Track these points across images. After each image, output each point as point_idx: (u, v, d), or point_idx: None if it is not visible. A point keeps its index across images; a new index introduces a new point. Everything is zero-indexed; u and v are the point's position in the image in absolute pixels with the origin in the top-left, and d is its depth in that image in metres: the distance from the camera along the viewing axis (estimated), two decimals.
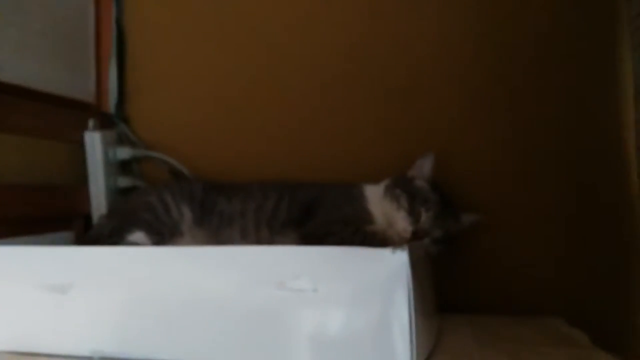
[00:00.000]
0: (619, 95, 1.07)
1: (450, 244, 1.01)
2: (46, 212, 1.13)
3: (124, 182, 1.24)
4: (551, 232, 1.10)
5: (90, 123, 1.21)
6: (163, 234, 0.99)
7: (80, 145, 1.21)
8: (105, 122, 1.27)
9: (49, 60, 1.17)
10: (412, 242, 0.95)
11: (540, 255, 1.10)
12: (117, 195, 1.23)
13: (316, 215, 1.00)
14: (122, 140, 1.28)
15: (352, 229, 0.95)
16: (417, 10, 1.16)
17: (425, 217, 0.97)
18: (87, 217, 1.22)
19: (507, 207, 1.11)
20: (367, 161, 1.16)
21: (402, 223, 0.97)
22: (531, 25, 1.12)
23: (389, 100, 1.18)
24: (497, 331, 0.95)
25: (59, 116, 1.19)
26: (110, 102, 1.29)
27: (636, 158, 1.03)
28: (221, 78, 1.26)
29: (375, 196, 1.02)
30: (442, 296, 1.06)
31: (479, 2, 1.13)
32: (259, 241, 0.99)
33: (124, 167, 1.28)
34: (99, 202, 1.21)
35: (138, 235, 0.98)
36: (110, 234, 1.00)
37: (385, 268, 0.61)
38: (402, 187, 1.00)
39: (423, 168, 1.02)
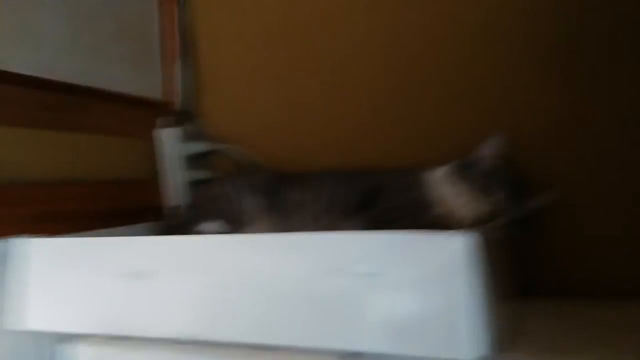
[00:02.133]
0: None
1: (528, 223, 0.97)
2: (122, 205, 1.19)
3: (196, 175, 1.29)
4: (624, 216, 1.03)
5: (162, 120, 1.27)
6: (238, 222, 1.02)
7: (153, 141, 1.26)
8: (177, 118, 1.33)
9: (119, 62, 1.24)
10: (483, 225, 0.92)
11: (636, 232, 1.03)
12: (191, 188, 1.28)
13: (380, 202, 1.00)
14: (193, 135, 1.33)
15: (419, 213, 0.94)
16: None
17: (496, 198, 0.94)
18: (161, 210, 1.28)
19: (592, 182, 1.05)
20: (433, 146, 1.14)
21: (471, 205, 0.94)
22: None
23: (452, 81, 1.15)
24: (587, 315, 0.90)
25: (131, 115, 1.25)
26: (180, 99, 1.34)
27: None
28: (287, 70, 1.29)
29: (441, 179, 1.00)
30: (524, 279, 1.02)
31: None
32: (328, 228, 1.00)
33: (196, 160, 1.33)
34: (174, 195, 1.26)
35: (215, 224, 1.02)
36: (190, 222, 1.04)
37: (453, 252, 0.60)
38: (470, 168, 0.98)
39: (492, 148, 0.99)
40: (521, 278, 1.01)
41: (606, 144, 1.05)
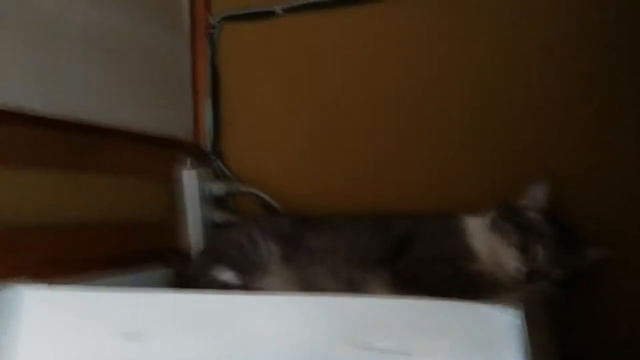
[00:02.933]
0: None
1: (573, 284, 0.86)
2: (141, 249, 1.15)
3: (219, 217, 1.24)
4: None
5: (188, 161, 1.23)
6: (251, 272, 0.96)
7: (175, 182, 1.23)
8: (200, 159, 1.29)
9: (148, 102, 1.21)
10: (527, 286, 0.82)
11: None
12: (214, 231, 1.23)
13: (410, 252, 0.90)
14: (217, 176, 1.29)
15: (452, 269, 0.85)
16: (507, 25, 1.05)
17: (541, 255, 0.83)
18: (184, 253, 1.23)
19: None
20: (466, 190, 1.05)
21: (513, 262, 0.84)
22: None
23: (486, 120, 1.06)
24: None
25: (157, 155, 1.22)
26: (207, 139, 1.31)
27: None
28: (311, 112, 1.24)
29: (479, 230, 0.91)
30: (566, 348, 0.91)
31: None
32: (349, 281, 0.92)
33: (219, 202, 1.28)
34: (196, 238, 1.21)
35: (227, 273, 0.96)
36: (199, 272, 0.98)
37: (493, 329, 0.50)
38: (511, 220, 0.88)
39: (536, 196, 0.89)
40: (565, 347, 0.89)
41: None
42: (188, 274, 1.01)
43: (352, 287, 0.91)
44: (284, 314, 0.62)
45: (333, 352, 0.56)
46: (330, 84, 1.22)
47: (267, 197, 1.22)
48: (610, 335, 0.94)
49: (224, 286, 0.92)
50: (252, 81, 1.30)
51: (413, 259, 0.89)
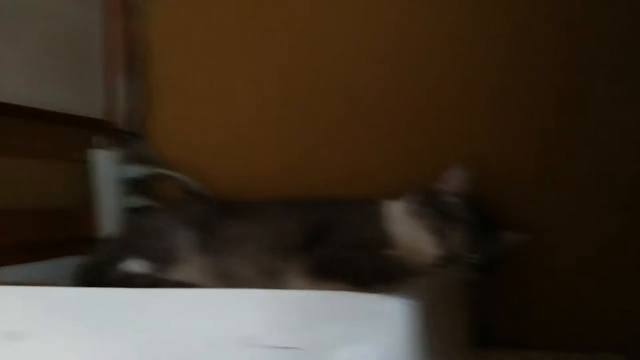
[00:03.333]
0: None
1: (492, 268, 0.85)
2: (53, 236, 1.07)
3: (135, 202, 1.16)
4: (615, 253, 0.91)
5: (96, 140, 1.15)
6: (164, 261, 0.90)
7: (90, 164, 1.14)
8: (116, 139, 1.21)
9: (51, 76, 1.12)
10: (443, 270, 0.80)
11: (602, 280, 0.92)
12: (128, 216, 1.16)
13: (328, 238, 0.87)
14: (137, 158, 1.21)
15: (368, 254, 0.82)
16: (436, 14, 1.02)
17: (457, 240, 0.82)
18: (96, 241, 1.15)
19: (561, 224, 0.94)
20: (391, 175, 1.03)
21: (430, 247, 0.82)
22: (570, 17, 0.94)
23: (412, 107, 1.04)
24: None
25: (64, 135, 1.13)
26: (123, 117, 1.22)
27: None
28: (241, 92, 1.18)
29: (397, 214, 0.89)
30: (485, 329, 0.91)
31: None
32: (266, 269, 0.88)
33: (140, 186, 1.20)
34: (108, 224, 1.14)
35: (136, 262, 0.89)
36: (107, 260, 0.91)
37: (385, 319, 0.47)
38: (429, 204, 0.86)
39: (453, 180, 0.87)
40: (482, 327, 0.90)
41: (583, 180, 0.94)
42: (94, 264, 0.94)
43: (269, 275, 0.87)
44: (167, 310, 0.57)
45: (220, 349, 0.52)
46: (262, 64, 1.16)
47: (190, 181, 1.16)
48: (532, 315, 0.96)
49: (132, 277, 0.86)
50: (179, 58, 1.22)
51: (331, 246, 0.86)
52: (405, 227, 0.86)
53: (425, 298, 0.51)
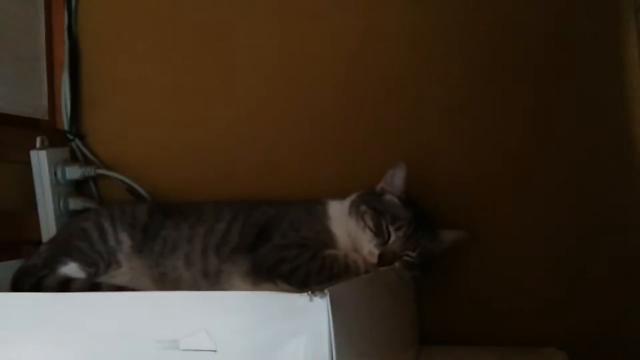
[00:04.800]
0: (626, 89, 0.91)
1: (429, 266, 0.87)
2: None
3: (76, 204, 1.13)
4: (552, 249, 0.94)
5: (39, 141, 1.11)
6: (97, 265, 0.88)
7: (27, 165, 1.10)
8: (58, 140, 1.17)
9: None
10: (380, 268, 0.81)
11: (538, 277, 0.94)
12: (69, 219, 1.12)
13: (271, 238, 0.87)
14: (77, 159, 1.17)
15: (309, 254, 0.82)
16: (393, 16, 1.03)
17: (394, 237, 0.83)
18: (38, 243, 1.12)
19: (499, 221, 0.96)
20: (339, 174, 1.03)
21: (367, 245, 0.83)
22: (525, 20, 0.97)
23: (359, 105, 1.04)
24: None
25: (4, 135, 1.09)
26: (64, 117, 1.19)
27: None
28: (182, 91, 1.15)
29: (339, 214, 0.89)
30: (424, 325, 0.93)
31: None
32: (205, 271, 0.86)
33: (80, 187, 1.17)
34: (48, 226, 1.10)
35: (71, 266, 0.87)
36: (43, 264, 0.88)
37: (302, 319, 0.47)
38: (368, 203, 0.87)
39: (394, 180, 0.88)
40: (425, 324, 0.92)
41: (518, 177, 0.96)
42: (30, 268, 0.90)
43: (208, 277, 0.86)
44: (84, 313, 0.56)
45: (139, 352, 0.51)
46: (200, 60, 1.13)
47: (130, 182, 1.13)
48: (475, 313, 0.97)
49: (68, 282, 0.83)
50: (117, 54, 1.19)
51: (273, 246, 0.86)
52: (347, 226, 0.86)
53: (350, 296, 0.51)
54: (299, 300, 0.47)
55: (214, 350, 0.48)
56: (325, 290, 0.47)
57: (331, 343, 0.46)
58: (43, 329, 0.56)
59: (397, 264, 0.83)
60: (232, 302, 0.50)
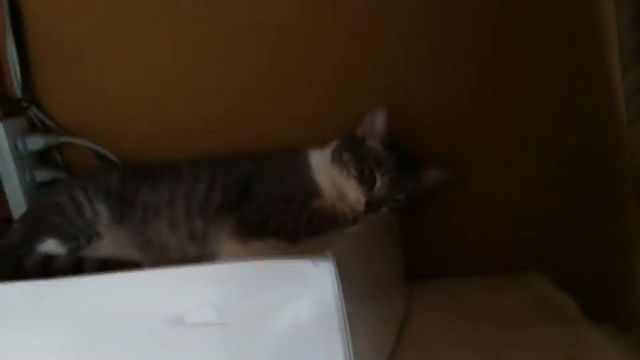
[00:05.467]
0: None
1: (415, 206, 0.87)
2: None
3: (42, 175, 1.08)
4: (530, 180, 0.96)
5: None
6: (78, 239, 0.85)
7: None
8: (12, 109, 1.09)
9: None
10: (367, 215, 0.81)
11: (521, 208, 0.96)
12: (38, 192, 1.08)
13: (255, 194, 0.85)
14: (35, 127, 1.11)
15: (296, 208, 0.81)
16: None
17: (380, 183, 0.82)
18: (8, 221, 1.07)
19: (479, 158, 0.97)
20: (314, 123, 1.00)
21: (353, 193, 0.82)
22: None
23: (333, 46, 1.00)
24: (474, 304, 0.83)
25: None
26: (14, 83, 1.10)
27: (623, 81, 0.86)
28: (143, 42, 1.07)
29: (321, 163, 0.87)
30: (410, 261, 0.94)
31: None
32: (191, 233, 0.85)
33: (44, 158, 1.11)
34: (16, 202, 1.05)
35: (50, 243, 0.84)
36: (19, 243, 0.85)
37: (306, 284, 0.46)
38: (350, 150, 0.85)
39: (374, 125, 0.87)
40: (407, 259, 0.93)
41: (496, 117, 0.96)
42: (8, 249, 0.86)
43: (196, 239, 0.84)
44: (86, 295, 0.54)
45: (141, 331, 0.50)
46: (162, 8, 1.05)
47: (96, 147, 1.08)
48: (452, 244, 0.99)
49: (51, 259, 0.80)
50: (65, 9, 1.09)
51: (257, 202, 0.84)
52: (330, 175, 0.85)
53: (350, 254, 0.51)
54: (303, 266, 0.46)
55: (222, 324, 0.47)
56: (328, 254, 0.46)
57: (338, 306, 0.46)
58: (43, 316, 0.54)
59: (384, 209, 0.83)
60: (235, 271, 0.49)
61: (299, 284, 0.47)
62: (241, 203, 0.85)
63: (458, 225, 0.99)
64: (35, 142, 1.06)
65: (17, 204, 1.05)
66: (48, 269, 0.79)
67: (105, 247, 0.85)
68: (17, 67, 1.10)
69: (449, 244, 0.99)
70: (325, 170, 0.86)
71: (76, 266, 0.79)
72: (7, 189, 1.05)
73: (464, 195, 0.97)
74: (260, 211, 0.83)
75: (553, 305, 0.78)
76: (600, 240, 0.93)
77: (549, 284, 0.87)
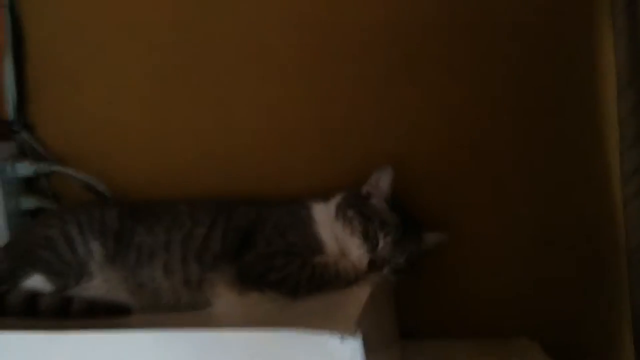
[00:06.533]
0: (600, 90, 0.94)
1: (413, 268, 0.87)
2: None
3: (28, 203, 1.04)
4: (525, 247, 0.98)
5: None
6: (67, 277, 0.81)
7: None
8: (2, 131, 1.06)
9: None
10: (369, 274, 0.81)
11: (513, 273, 0.98)
12: (22, 219, 1.03)
13: (255, 244, 0.84)
14: (25, 153, 1.07)
15: (298, 262, 0.80)
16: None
17: (383, 243, 0.83)
18: None
19: (474, 221, 0.99)
20: (315, 172, 1.00)
21: (357, 251, 0.82)
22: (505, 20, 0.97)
23: (335, 99, 1.01)
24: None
25: None
26: (8, 106, 1.07)
27: (620, 161, 0.90)
28: (140, 74, 1.06)
29: (325, 217, 0.87)
30: (403, 320, 0.93)
31: None
32: (186, 280, 0.82)
33: (30, 184, 1.07)
34: (1, 230, 1.00)
35: (36, 279, 0.80)
36: (3, 277, 0.80)
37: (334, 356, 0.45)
38: (355, 208, 0.85)
39: (380, 183, 0.87)
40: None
41: (492, 177, 0.98)
42: None
43: (190, 287, 0.82)
44: (89, 351, 0.51)
45: None
46: (159, 41, 1.05)
47: (88, 179, 1.05)
48: (449, 308, 0.99)
49: (36, 297, 0.76)
50: (65, 36, 1.08)
51: (258, 253, 0.83)
52: (334, 231, 0.85)
53: (372, 326, 0.50)
54: (330, 342, 0.45)
55: None
56: (356, 330, 0.45)
57: None
58: None
59: (385, 269, 0.83)
60: (256, 341, 0.48)
61: (323, 357, 0.46)
62: (241, 252, 0.83)
63: (450, 286, 0.99)
64: (25, 169, 1.03)
65: (1, 231, 1.00)
66: (32, 307, 0.75)
67: (95, 287, 0.82)
68: (13, 89, 1.07)
69: (438, 305, 1.00)
70: (329, 225, 0.86)
71: (63, 306, 0.75)
72: None
73: (455, 257, 0.98)
74: (261, 263, 0.81)
75: None
76: (591, 311, 0.95)
77: (538, 352, 0.88)
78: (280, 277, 0.78)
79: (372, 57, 0.99)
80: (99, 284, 0.82)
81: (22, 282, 0.79)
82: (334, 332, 0.45)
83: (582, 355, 0.93)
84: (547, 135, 0.96)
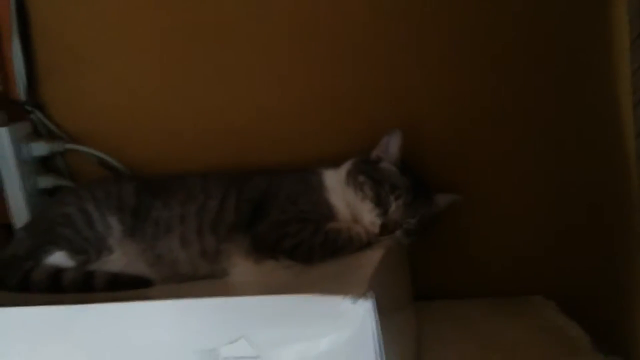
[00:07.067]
0: (614, 41, 0.92)
1: (425, 230, 0.88)
2: None
3: (45, 182, 1.06)
4: (537, 205, 0.97)
5: None
6: (88, 252, 0.83)
7: None
8: (15, 112, 1.07)
9: None
10: (382, 238, 0.81)
11: (526, 231, 0.98)
12: (41, 198, 1.06)
13: (268, 213, 0.85)
14: (38, 133, 1.09)
15: (311, 228, 0.81)
16: None
17: (395, 206, 0.83)
18: (8, 227, 1.05)
19: (486, 179, 0.98)
20: (326, 140, 1.00)
21: (368, 216, 0.83)
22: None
23: (344, 64, 1.00)
24: (480, 330, 0.84)
25: None
26: (19, 87, 1.08)
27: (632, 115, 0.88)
28: (152, 49, 1.06)
29: (336, 184, 0.88)
30: (417, 283, 0.94)
31: None
32: (203, 250, 0.84)
33: (46, 164, 1.09)
34: (18, 208, 1.03)
35: (58, 255, 0.82)
36: (26, 255, 0.83)
37: (346, 322, 0.46)
38: (366, 172, 0.86)
39: (389, 147, 0.87)
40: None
41: (504, 142, 0.97)
42: (12, 260, 0.84)
43: (206, 257, 0.84)
44: (113, 322, 0.53)
45: None
46: (173, 18, 1.04)
47: (103, 156, 1.06)
48: (458, 266, 1.00)
49: (59, 273, 0.78)
50: (73, 12, 1.07)
51: (271, 222, 0.84)
52: (345, 196, 0.86)
53: (383, 287, 0.51)
54: (342, 304, 0.46)
55: (256, 357, 0.47)
56: (368, 292, 0.46)
57: (376, 343, 0.46)
58: (69, 342, 0.53)
59: (398, 232, 0.83)
60: (272, 306, 0.49)
61: (336, 320, 0.47)
62: (254, 222, 0.85)
63: (464, 247, 1.00)
64: (40, 148, 1.04)
65: (18, 210, 1.03)
66: (56, 283, 0.77)
67: (115, 261, 0.84)
68: (23, 70, 1.08)
69: (452, 266, 1.01)
70: (340, 191, 0.86)
71: (85, 281, 0.77)
72: (9, 195, 1.03)
73: (468, 217, 0.98)
74: (274, 231, 0.82)
75: (561, 334, 0.79)
76: (606, 265, 0.95)
77: (554, 310, 0.89)
78: (294, 243, 0.80)
79: (382, 23, 0.98)
80: (119, 258, 0.84)
81: (44, 259, 0.82)
82: (346, 294, 0.46)
83: (597, 312, 0.93)
84: (558, 89, 0.95)
